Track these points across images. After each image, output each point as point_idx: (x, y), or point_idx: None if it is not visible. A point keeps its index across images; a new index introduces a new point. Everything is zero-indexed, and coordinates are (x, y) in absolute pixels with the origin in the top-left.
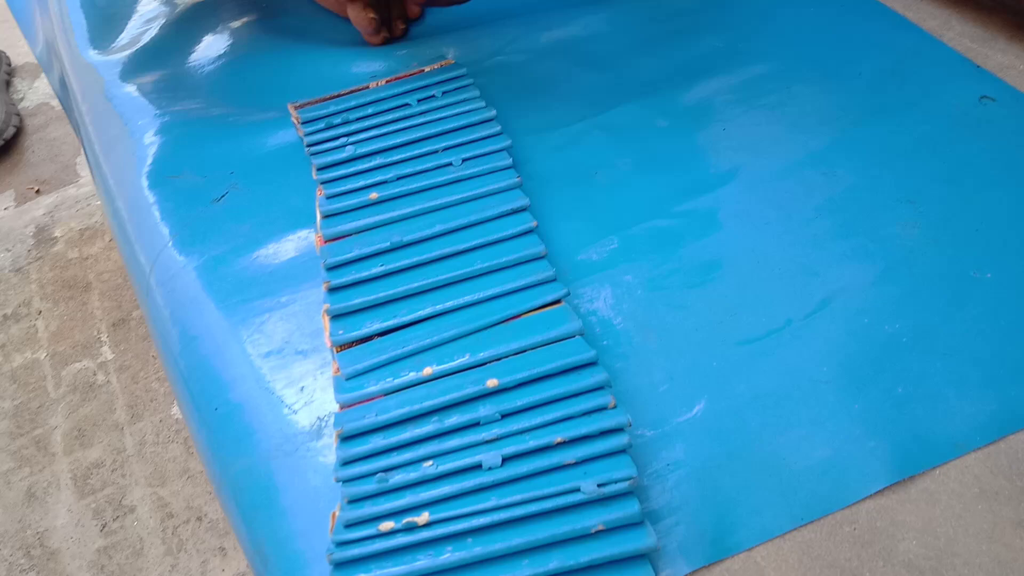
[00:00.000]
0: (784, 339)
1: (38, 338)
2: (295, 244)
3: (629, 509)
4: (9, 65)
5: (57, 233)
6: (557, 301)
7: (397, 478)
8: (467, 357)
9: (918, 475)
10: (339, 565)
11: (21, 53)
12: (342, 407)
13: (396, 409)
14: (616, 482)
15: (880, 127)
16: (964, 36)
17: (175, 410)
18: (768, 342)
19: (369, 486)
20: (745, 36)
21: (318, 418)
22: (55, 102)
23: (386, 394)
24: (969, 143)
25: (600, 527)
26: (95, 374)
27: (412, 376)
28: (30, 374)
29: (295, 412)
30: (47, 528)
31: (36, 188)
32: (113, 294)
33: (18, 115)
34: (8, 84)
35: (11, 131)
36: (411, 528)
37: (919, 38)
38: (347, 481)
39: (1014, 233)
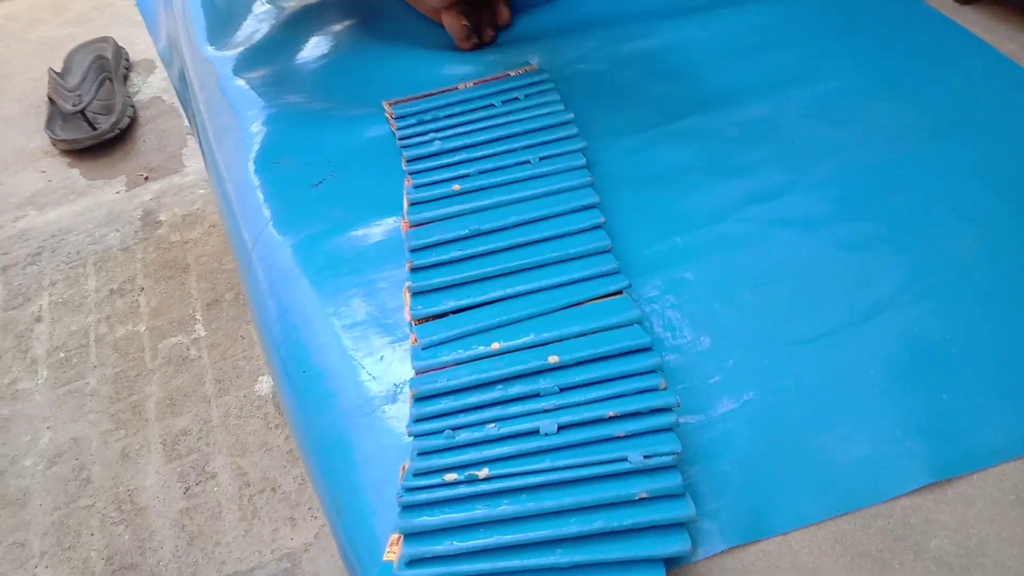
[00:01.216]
0: (835, 342)
1: (139, 312)
2: (383, 229)
3: (672, 480)
4: (127, 60)
5: (162, 217)
6: (618, 291)
7: (463, 436)
8: (532, 336)
9: (955, 478)
10: (407, 508)
11: (137, 50)
12: (418, 372)
13: (466, 376)
14: (661, 455)
15: (948, 146)
16: None
17: (258, 387)
18: (819, 344)
19: (438, 441)
20: (822, 52)
21: (394, 385)
22: (166, 96)
23: (457, 364)
24: None
25: (643, 495)
26: (188, 349)
27: (481, 350)
28: (130, 345)
29: (374, 379)
30: (137, 487)
31: (145, 175)
32: (209, 276)
33: (133, 107)
34: (126, 78)
35: (126, 121)
36: (472, 481)
37: (995, 61)
38: (418, 436)
39: None
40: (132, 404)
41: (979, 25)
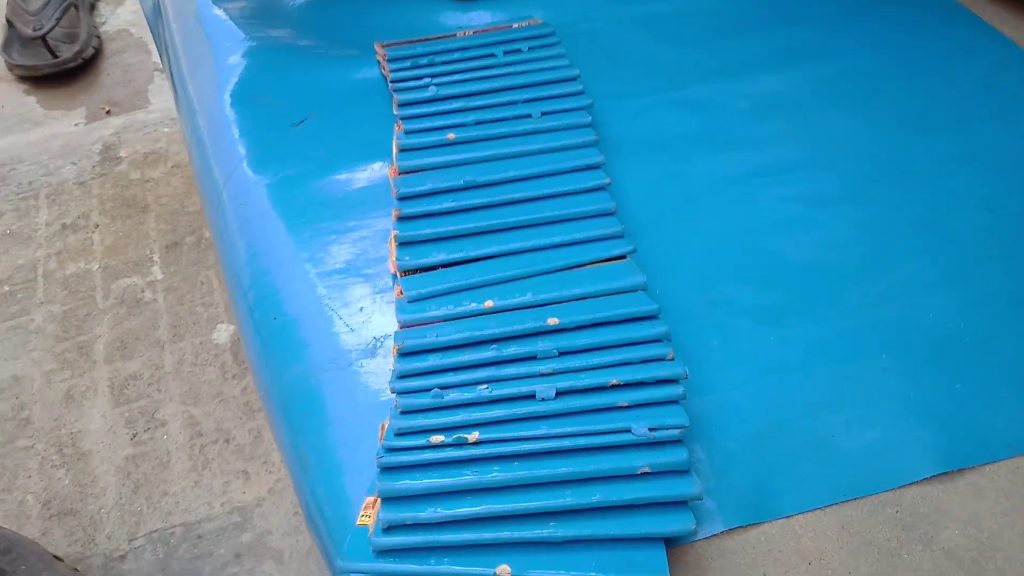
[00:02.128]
0: (847, 324)
1: (93, 250)
2: (368, 174)
3: (677, 455)
4: None
5: (122, 153)
6: (622, 256)
7: (452, 395)
8: (530, 296)
9: (967, 469)
10: (386, 469)
11: None
12: (403, 326)
13: (456, 333)
14: (667, 428)
15: (964, 134)
16: None
17: (216, 335)
18: (831, 325)
19: (424, 399)
20: (839, 30)
21: (374, 338)
22: (135, 29)
23: (448, 320)
24: None
25: (646, 469)
26: (143, 291)
27: (474, 307)
28: (81, 283)
29: (352, 331)
30: (81, 430)
31: (107, 109)
32: (169, 218)
33: (98, 37)
34: (93, 7)
35: (90, 51)
36: (461, 444)
37: (1011, 51)
38: (402, 393)
39: None
40: (79, 344)
41: (997, 17)
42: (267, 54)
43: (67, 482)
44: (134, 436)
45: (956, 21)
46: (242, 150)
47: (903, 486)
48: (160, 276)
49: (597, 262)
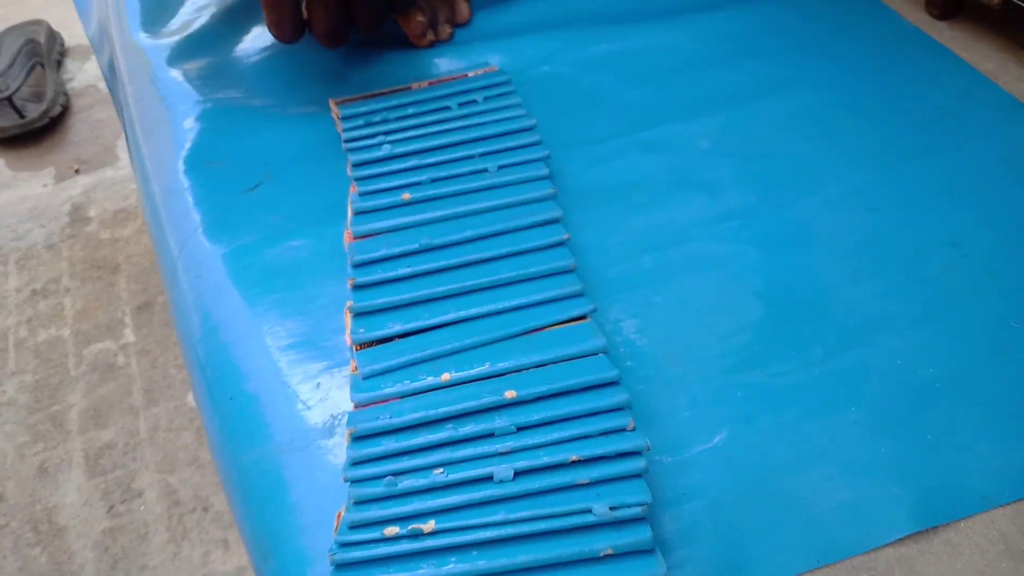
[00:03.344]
0: (814, 375)
1: (64, 315)
2: (324, 239)
3: (640, 535)
4: (62, 46)
5: (92, 213)
6: (583, 316)
7: (406, 483)
8: (487, 366)
9: (942, 526)
10: (340, 566)
11: (74, 34)
12: (357, 406)
13: (411, 413)
14: (629, 506)
15: (928, 166)
16: (1020, 81)
17: (190, 398)
18: (797, 376)
19: (377, 488)
20: (796, 64)
21: (332, 416)
22: (102, 84)
23: (402, 397)
24: (1018, 190)
25: (609, 551)
26: (116, 355)
27: (430, 380)
28: (53, 350)
29: (309, 408)
30: (56, 504)
31: (76, 167)
32: (140, 277)
33: (66, 95)
34: (60, 64)
35: (57, 110)
36: (416, 535)
37: (974, 79)
38: (356, 482)
39: None
40: (52, 415)
41: (956, 42)
42: (222, 116)
43: (43, 560)
44: (110, 508)
45: (917, 48)
46: (196, 218)
47: (877, 548)
48: (132, 339)
49: (557, 324)
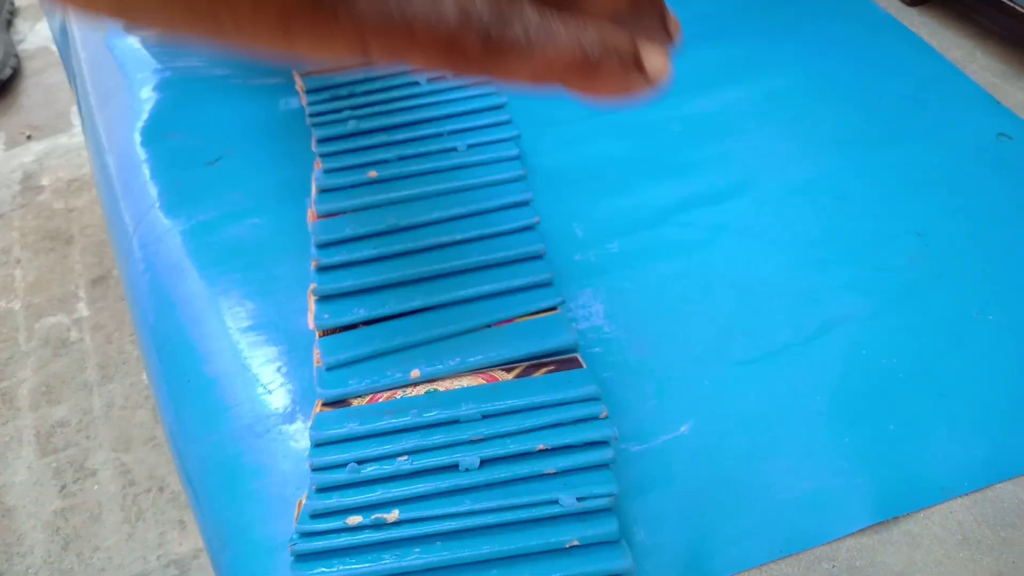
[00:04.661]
0: (779, 363)
1: (15, 288)
2: (287, 217)
3: (607, 526)
4: (12, 4)
5: (44, 182)
6: (553, 308)
7: (370, 470)
8: (457, 360)
9: (902, 516)
10: (300, 557)
11: None
12: (324, 404)
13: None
14: (596, 497)
15: (895, 154)
16: (987, 70)
17: (146, 375)
18: (763, 365)
19: (340, 475)
20: (767, 47)
21: (293, 400)
22: (56, 47)
23: (372, 393)
24: (983, 180)
25: (575, 543)
26: (69, 330)
27: (399, 377)
28: (2, 324)
29: (270, 392)
30: (5, 484)
31: (28, 133)
32: (95, 250)
33: (16, 56)
34: (9, 24)
35: (7, 72)
36: (379, 525)
37: (942, 67)
38: (318, 469)
39: (1021, 275)
40: (1, 391)
41: (925, 28)
42: (181, 85)
43: None
44: (62, 488)
45: (886, 33)
46: (153, 193)
47: (839, 539)
48: (87, 313)
49: (526, 316)
